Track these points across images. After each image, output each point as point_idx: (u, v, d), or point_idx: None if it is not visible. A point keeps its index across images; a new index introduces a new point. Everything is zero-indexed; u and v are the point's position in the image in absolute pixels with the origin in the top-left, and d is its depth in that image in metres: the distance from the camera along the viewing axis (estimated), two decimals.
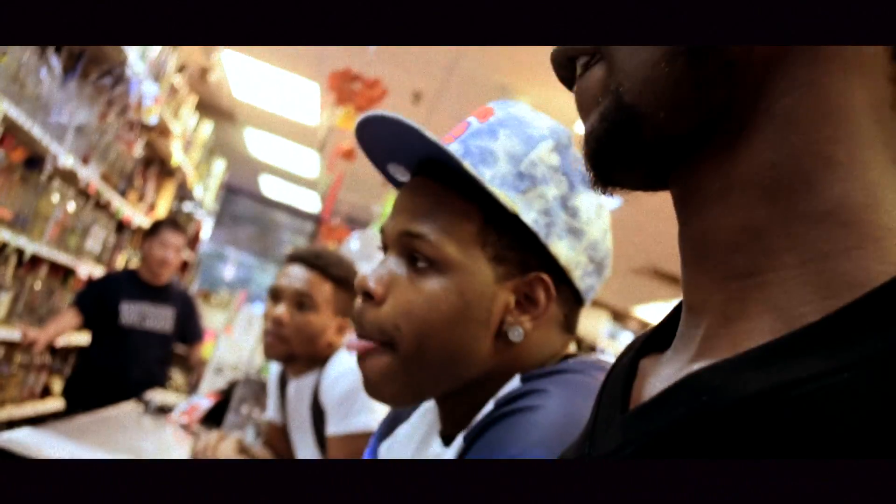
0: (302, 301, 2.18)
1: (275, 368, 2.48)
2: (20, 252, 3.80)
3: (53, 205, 4.02)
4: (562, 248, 0.90)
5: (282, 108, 6.61)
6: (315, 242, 10.51)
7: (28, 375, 4.34)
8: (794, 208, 0.44)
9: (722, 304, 0.47)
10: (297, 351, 2.19)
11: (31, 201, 3.76)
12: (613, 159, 0.52)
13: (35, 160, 3.79)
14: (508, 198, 0.88)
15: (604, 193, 0.55)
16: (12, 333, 3.83)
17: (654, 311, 9.86)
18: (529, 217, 0.89)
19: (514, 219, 0.89)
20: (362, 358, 0.90)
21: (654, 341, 0.58)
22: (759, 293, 0.45)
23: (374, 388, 0.90)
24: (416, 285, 0.88)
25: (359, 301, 0.92)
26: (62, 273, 4.64)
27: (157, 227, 4.45)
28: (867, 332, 0.38)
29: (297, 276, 2.21)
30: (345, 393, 2.11)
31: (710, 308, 0.49)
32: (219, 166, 7.74)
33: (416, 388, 0.90)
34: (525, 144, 0.91)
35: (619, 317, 12.50)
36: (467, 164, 0.86)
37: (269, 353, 2.21)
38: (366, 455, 1.18)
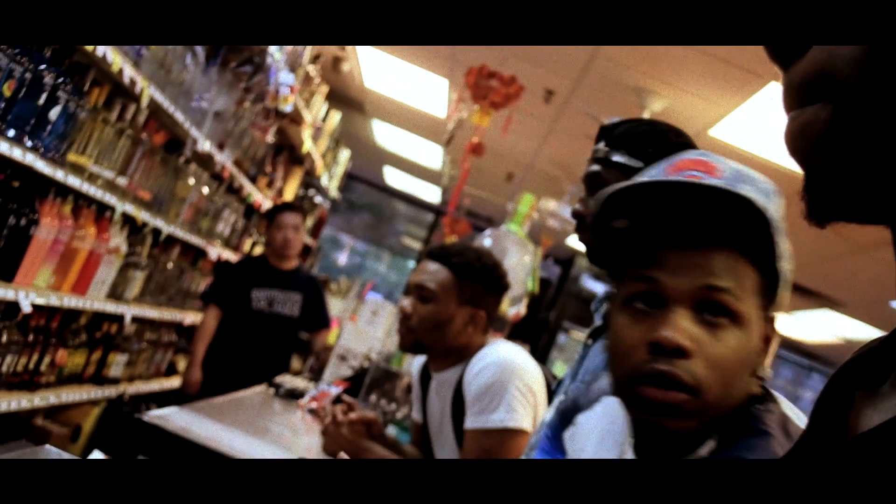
0: (422, 293, 2.28)
1: (416, 366, 2.51)
2: (156, 232, 3.91)
3: (189, 187, 4.13)
4: (786, 294, 0.97)
5: (410, 101, 6.64)
6: (436, 234, 10.59)
7: (156, 353, 4.49)
8: None
9: None
10: (426, 340, 2.30)
11: (168, 184, 3.87)
12: (839, 196, 0.51)
13: (175, 144, 3.90)
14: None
15: (817, 226, 0.54)
16: (144, 311, 3.95)
17: (783, 322, 9.67)
18: (788, 267, 0.95)
19: (774, 269, 0.95)
20: (669, 401, 0.91)
21: (866, 372, 0.57)
22: None
23: (673, 423, 0.93)
24: (722, 341, 0.93)
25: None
26: (193, 254, 4.77)
27: (273, 212, 4.62)
28: None
29: (422, 269, 2.33)
30: (486, 385, 2.16)
31: None
32: (344, 155, 7.82)
33: (703, 422, 0.94)
34: (767, 199, 0.95)
35: None
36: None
37: (400, 344, 2.36)
38: (541, 442, 1.25)
